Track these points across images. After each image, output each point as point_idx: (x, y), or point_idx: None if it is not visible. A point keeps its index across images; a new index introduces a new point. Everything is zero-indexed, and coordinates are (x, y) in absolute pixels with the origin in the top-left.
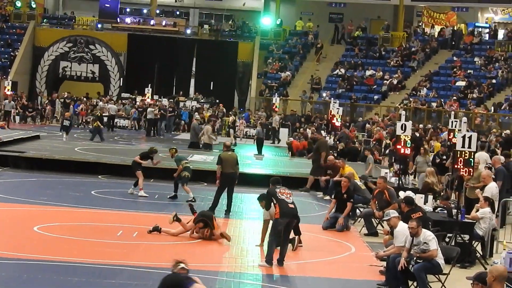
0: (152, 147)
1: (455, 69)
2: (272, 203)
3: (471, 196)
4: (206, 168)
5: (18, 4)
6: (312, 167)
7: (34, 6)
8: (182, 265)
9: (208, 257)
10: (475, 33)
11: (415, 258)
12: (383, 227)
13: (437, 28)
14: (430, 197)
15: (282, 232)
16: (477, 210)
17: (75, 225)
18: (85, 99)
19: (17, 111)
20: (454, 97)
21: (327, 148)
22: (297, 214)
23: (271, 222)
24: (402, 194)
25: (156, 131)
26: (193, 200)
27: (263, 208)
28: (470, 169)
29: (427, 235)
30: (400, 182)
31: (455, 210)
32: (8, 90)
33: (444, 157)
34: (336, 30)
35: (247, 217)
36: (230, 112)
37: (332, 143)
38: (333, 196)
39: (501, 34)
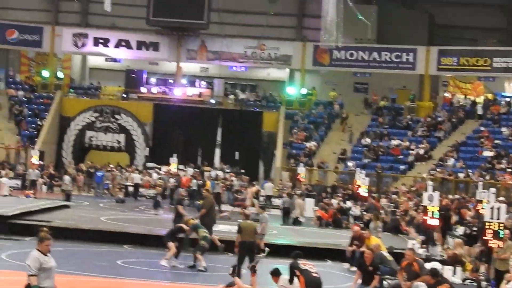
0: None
1: (482, 139)
2: (295, 276)
3: (501, 268)
4: (232, 239)
5: (45, 74)
6: None
7: (61, 76)
8: None
9: None
10: (502, 103)
11: None
12: None
13: (464, 98)
14: (459, 268)
15: None
16: (508, 282)
17: None
18: (111, 167)
19: (44, 180)
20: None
21: (209, 206)
22: (321, 283)
23: None
24: (428, 265)
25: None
26: (205, 270)
27: (276, 283)
28: (500, 240)
29: None
30: (428, 254)
31: (485, 282)
32: (35, 159)
33: (474, 228)
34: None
35: (271, 287)
36: (253, 182)
37: (358, 213)
38: (358, 268)
39: None
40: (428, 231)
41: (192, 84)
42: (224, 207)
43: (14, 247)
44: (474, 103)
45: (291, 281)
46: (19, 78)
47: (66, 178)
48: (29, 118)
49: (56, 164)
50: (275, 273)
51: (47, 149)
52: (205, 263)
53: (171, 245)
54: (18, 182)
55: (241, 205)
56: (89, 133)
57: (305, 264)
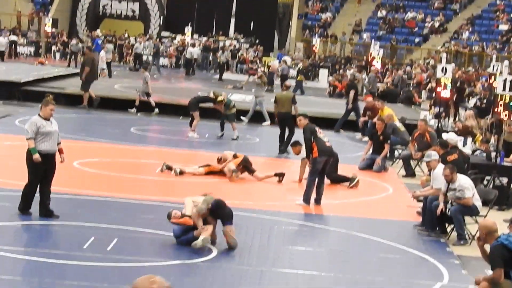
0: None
1: (498, 13)
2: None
3: (510, 139)
4: (245, 108)
5: None
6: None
7: None
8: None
9: (246, 195)
10: None
11: (451, 201)
12: (421, 169)
13: None
14: (469, 139)
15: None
16: None
17: (113, 161)
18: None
19: (57, 48)
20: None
21: (91, 63)
22: (333, 152)
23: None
24: (445, 136)
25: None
26: (237, 138)
27: (296, 154)
28: (510, 112)
29: (463, 182)
30: (440, 125)
31: (494, 153)
32: (48, 27)
33: (485, 100)
34: None
35: (293, 157)
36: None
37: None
38: (369, 138)
39: None
40: (442, 103)
41: None
42: (231, 75)
43: (27, 113)
44: None
45: (308, 144)
46: None
47: (109, 46)
48: None
49: (70, 32)
50: (296, 144)
51: (60, 17)
52: (237, 133)
53: (197, 114)
54: (31, 49)
55: (254, 74)
56: (103, 1)
57: (319, 131)
